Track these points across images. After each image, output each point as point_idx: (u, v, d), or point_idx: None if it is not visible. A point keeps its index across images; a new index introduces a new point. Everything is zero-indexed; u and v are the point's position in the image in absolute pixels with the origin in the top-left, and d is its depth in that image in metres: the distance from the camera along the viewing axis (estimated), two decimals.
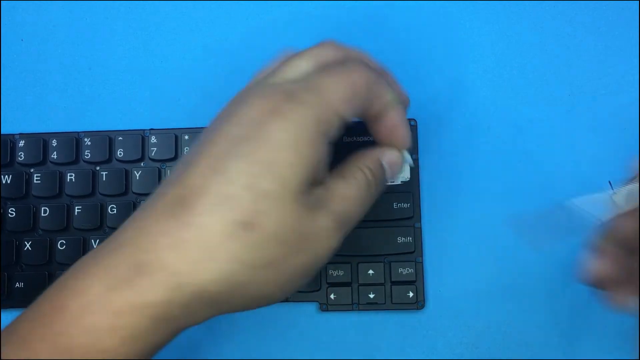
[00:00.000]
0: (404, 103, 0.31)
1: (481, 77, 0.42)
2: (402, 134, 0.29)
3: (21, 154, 0.41)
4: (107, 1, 0.44)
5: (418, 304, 0.38)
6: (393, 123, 0.29)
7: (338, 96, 0.26)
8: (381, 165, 0.29)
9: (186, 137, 0.41)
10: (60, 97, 0.43)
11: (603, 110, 0.41)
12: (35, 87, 0.44)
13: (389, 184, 0.30)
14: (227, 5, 0.44)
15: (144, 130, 0.41)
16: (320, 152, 0.25)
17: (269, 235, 0.23)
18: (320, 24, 0.43)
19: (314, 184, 0.26)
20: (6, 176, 0.41)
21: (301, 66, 0.28)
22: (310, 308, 0.39)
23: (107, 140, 0.41)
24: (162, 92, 0.43)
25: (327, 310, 0.39)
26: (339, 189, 0.27)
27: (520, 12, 0.42)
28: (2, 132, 0.43)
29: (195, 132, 0.41)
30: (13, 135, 0.42)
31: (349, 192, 0.27)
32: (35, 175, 0.41)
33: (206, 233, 0.22)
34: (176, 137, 0.41)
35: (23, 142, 0.41)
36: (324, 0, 0.43)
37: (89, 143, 0.41)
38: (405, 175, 0.31)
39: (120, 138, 0.41)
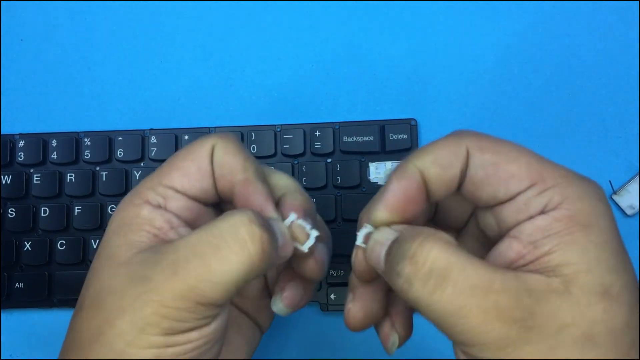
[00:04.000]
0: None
1: (481, 77, 0.42)
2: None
3: (21, 154, 0.41)
4: (107, 1, 0.44)
5: None
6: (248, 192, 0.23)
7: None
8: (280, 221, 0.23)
9: (186, 137, 0.41)
10: (60, 97, 0.43)
11: (603, 110, 0.41)
12: (35, 87, 0.44)
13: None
14: (227, 5, 0.44)
15: (144, 130, 0.41)
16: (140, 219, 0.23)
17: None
18: (319, 25, 0.43)
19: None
20: (6, 176, 0.41)
21: None
22: (311, 308, 0.39)
23: (107, 140, 0.41)
24: (162, 92, 0.43)
25: (327, 310, 0.39)
26: (190, 249, 0.21)
27: (520, 12, 0.42)
28: (2, 132, 0.43)
29: (195, 132, 0.41)
30: (13, 135, 0.42)
31: (203, 253, 0.21)
32: (35, 175, 0.41)
33: None
34: (176, 137, 0.41)
35: (23, 142, 0.41)
36: (323, 1, 0.43)
37: (89, 143, 0.41)
38: (307, 245, 0.24)
39: (120, 138, 0.41)
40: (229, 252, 0.20)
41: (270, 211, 0.23)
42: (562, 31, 0.42)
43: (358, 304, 0.25)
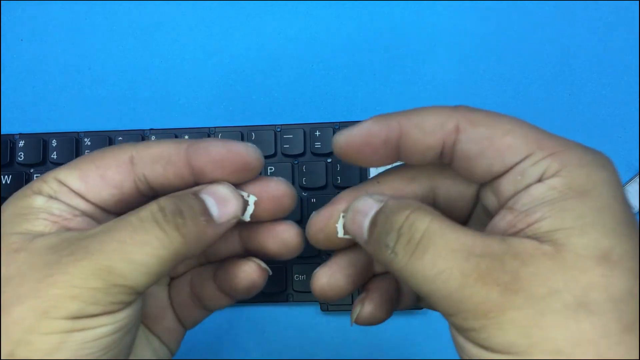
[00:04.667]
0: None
1: (481, 76, 0.42)
2: (223, 157, 0.22)
3: (21, 154, 0.41)
4: (107, 1, 0.44)
5: (419, 304, 0.38)
6: (210, 155, 0.22)
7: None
8: (197, 199, 0.21)
9: (186, 136, 0.41)
10: (60, 97, 0.43)
11: (603, 110, 0.41)
12: (35, 87, 0.44)
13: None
14: (227, 5, 0.44)
15: (144, 130, 0.41)
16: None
17: None
18: (319, 25, 0.43)
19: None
20: (6, 176, 0.41)
21: None
22: (312, 309, 0.39)
23: (107, 140, 0.41)
24: (162, 92, 0.43)
25: (327, 310, 0.39)
26: (106, 233, 0.20)
27: (520, 12, 0.42)
28: (2, 132, 0.43)
29: (195, 132, 0.41)
30: (13, 135, 0.42)
31: (120, 236, 0.19)
32: (35, 175, 0.41)
33: None
34: (176, 137, 0.41)
35: (23, 142, 0.41)
36: (322, 1, 0.43)
37: (89, 143, 0.41)
38: (247, 213, 0.23)
39: (120, 138, 0.41)
40: (146, 236, 0.19)
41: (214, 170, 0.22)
42: (562, 31, 0.42)
43: (326, 270, 0.24)
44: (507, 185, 0.19)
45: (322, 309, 0.39)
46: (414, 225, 0.19)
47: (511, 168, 0.19)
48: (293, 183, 0.40)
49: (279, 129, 0.40)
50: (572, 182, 0.18)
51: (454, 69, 0.42)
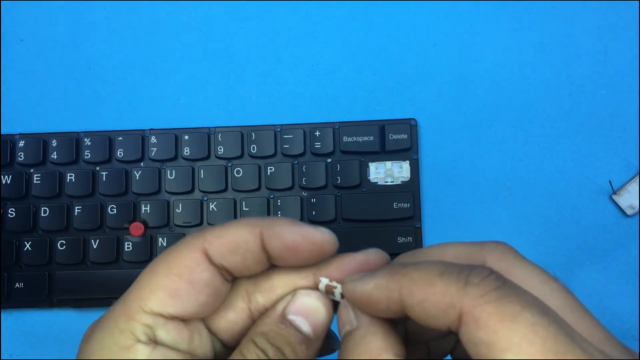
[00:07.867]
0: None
1: (482, 76, 0.42)
2: (308, 245, 0.21)
3: (21, 154, 0.41)
4: (107, 1, 0.44)
5: None
6: (289, 240, 0.20)
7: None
8: (288, 325, 0.21)
9: (186, 137, 0.41)
10: (60, 97, 0.43)
11: (603, 110, 0.41)
12: (35, 87, 0.44)
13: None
14: (227, 5, 0.44)
15: (143, 130, 0.41)
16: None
17: None
18: (319, 25, 0.43)
19: None
20: (6, 176, 0.41)
21: None
22: None
23: (107, 140, 0.41)
24: (162, 92, 0.43)
25: None
26: None
27: (520, 12, 0.42)
28: (2, 132, 0.43)
29: (195, 132, 0.41)
30: (13, 135, 0.42)
31: None
32: (35, 175, 0.41)
33: None
34: (176, 137, 0.41)
35: (23, 142, 0.41)
36: (323, 1, 0.43)
37: (89, 143, 0.41)
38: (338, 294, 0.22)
39: (120, 138, 0.41)
40: None
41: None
42: (562, 31, 0.42)
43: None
44: None
45: None
46: None
47: None
48: (293, 183, 0.40)
49: (279, 129, 0.40)
50: None
51: (453, 69, 0.42)
